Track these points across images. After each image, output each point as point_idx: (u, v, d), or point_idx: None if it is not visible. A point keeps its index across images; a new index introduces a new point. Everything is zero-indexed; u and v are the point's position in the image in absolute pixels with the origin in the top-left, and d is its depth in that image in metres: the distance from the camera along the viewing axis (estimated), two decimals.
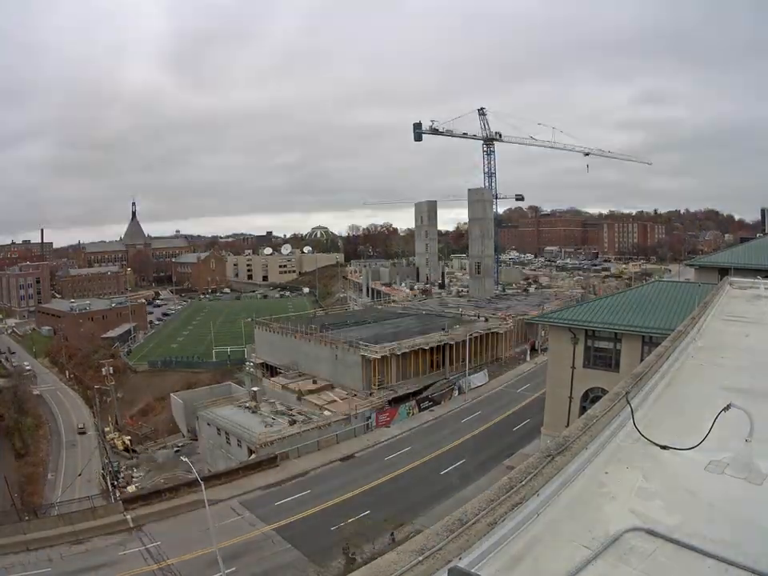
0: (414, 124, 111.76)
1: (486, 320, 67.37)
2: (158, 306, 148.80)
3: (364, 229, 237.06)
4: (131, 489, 46.89)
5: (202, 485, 24.73)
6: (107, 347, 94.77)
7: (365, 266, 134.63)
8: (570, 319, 31.36)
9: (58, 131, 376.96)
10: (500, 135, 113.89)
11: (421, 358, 56.60)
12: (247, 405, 50.75)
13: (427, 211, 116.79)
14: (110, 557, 28.50)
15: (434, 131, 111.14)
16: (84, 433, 66.84)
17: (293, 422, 45.39)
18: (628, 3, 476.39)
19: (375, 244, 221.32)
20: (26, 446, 64.47)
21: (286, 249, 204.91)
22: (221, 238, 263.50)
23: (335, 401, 50.42)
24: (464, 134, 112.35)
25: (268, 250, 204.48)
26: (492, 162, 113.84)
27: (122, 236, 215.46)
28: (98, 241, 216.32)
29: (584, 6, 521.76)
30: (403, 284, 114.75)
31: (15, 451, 63.39)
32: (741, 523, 3.28)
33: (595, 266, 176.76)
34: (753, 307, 10.40)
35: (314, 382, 55.34)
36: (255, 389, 54.38)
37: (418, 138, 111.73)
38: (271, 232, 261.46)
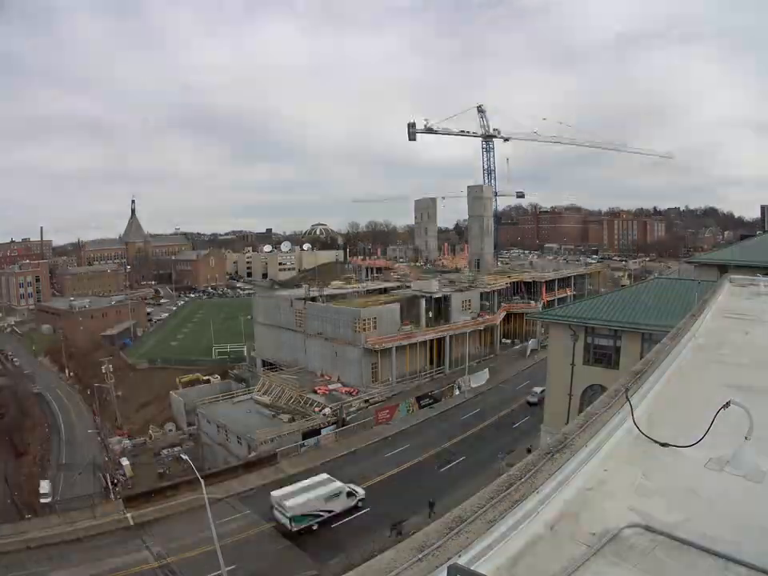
0: (408, 124, 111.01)
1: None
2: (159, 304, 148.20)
3: (364, 226, 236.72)
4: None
5: (202, 483, 24.73)
6: (107, 345, 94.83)
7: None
8: (570, 316, 31.38)
9: None
10: (499, 132, 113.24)
11: (419, 354, 56.88)
12: (247, 402, 50.81)
13: (426, 208, 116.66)
14: (110, 555, 28.57)
15: (429, 130, 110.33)
16: None
17: (292, 420, 45.45)
18: None
19: (375, 241, 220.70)
20: (26, 444, 64.43)
21: (285, 246, 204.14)
22: (220, 235, 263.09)
23: (335, 396, 50.46)
24: (461, 131, 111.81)
25: (268, 248, 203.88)
26: (491, 159, 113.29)
27: (122, 234, 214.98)
28: (98, 239, 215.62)
29: None
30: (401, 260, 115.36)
31: (15, 450, 63.35)
32: (740, 520, 3.29)
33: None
34: (752, 304, 10.38)
35: (314, 379, 55.41)
36: (255, 386, 54.41)
37: (412, 137, 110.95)
38: (271, 229, 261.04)
